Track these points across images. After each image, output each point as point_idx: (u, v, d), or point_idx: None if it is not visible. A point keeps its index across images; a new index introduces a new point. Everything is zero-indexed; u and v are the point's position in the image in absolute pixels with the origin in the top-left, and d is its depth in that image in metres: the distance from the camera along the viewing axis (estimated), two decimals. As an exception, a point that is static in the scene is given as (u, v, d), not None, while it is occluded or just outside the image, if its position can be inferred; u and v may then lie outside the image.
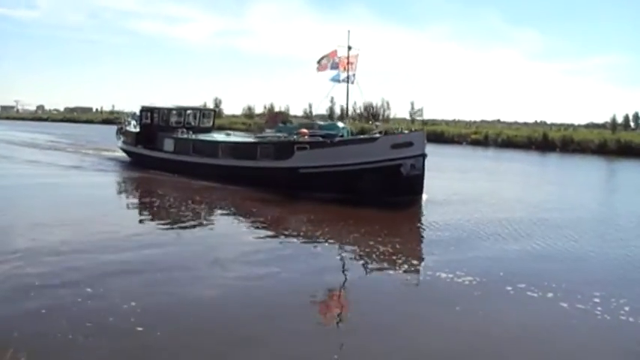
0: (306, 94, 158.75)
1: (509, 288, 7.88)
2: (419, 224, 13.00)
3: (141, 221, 12.97)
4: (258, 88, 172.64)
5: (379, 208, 14.41)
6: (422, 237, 11.77)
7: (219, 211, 14.48)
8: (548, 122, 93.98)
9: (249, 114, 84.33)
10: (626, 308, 7.16)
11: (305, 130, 18.43)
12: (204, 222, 13.12)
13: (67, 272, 7.92)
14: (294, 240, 10.93)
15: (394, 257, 9.60)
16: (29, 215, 12.21)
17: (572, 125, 77.73)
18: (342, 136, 18.26)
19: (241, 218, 13.36)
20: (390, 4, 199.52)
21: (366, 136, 18.19)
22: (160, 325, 6.15)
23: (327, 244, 10.59)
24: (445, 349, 5.97)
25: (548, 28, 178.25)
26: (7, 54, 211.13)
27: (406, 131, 17.84)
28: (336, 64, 18.36)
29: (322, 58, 18.56)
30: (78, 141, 38.75)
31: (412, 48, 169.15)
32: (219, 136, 22.34)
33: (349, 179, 15.98)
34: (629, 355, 6.05)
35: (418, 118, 17.34)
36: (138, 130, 24.33)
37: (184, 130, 22.57)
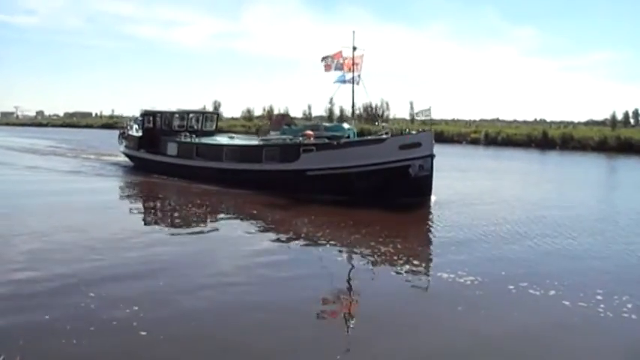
0: (306, 95, 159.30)
1: (511, 287, 7.90)
2: (427, 226, 12.93)
3: (143, 226, 12.95)
4: (257, 90, 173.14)
5: (387, 210, 14.31)
6: (430, 239, 11.74)
7: (223, 215, 14.44)
8: (548, 120, 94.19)
9: (248, 116, 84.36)
10: (629, 305, 7.17)
11: (310, 132, 18.22)
12: (207, 226, 13.11)
13: (68, 277, 7.93)
14: (299, 243, 10.92)
15: (399, 259, 9.61)
16: (30, 222, 12.19)
17: (571, 123, 77.87)
18: (348, 137, 18.08)
19: (247, 222, 13.23)
20: (388, 3, 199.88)
21: (373, 137, 18.13)
22: (163, 330, 6.16)
23: (330, 247, 10.56)
24: (451, 349, 5.98)
25: (546, 24, 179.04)
26: (6, 60, 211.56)
27: (414, 132, 17.59)
28: (341, 65, 18.21)
29: (326, 58, 18.38)
30: (79, 146, 38.78)
31: (410, 47, 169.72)
32: (222, 140, 22.19)
33: (357, 181, 15.82)
34: (631, 353, 6.06)
35: (426, 118, 17.06)
36: (140, 134, 24.25)
37: (187, 133, 22.42)
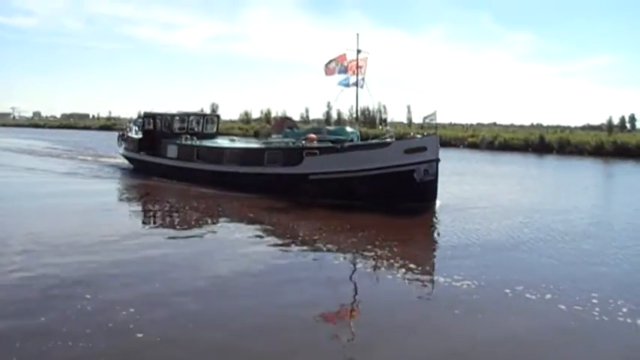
0: (303, 98, 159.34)
1: (507, 291, 7.92)
2: (427, 230, 12.91)
3: (141, 229, 12.91)
4: (254, 93, 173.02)
5: (388, 214, 14.23)
6: (430, 243, 11.76)
7: (222, 218, 14.41)
8: (545, 125, 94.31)
9: (246, 119, 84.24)
10: (624, 309, 7.20)
11: (313, 136, 18.03)
12: (206, 229, 13.07)
13: (64, 280, 7.92)
14: (297, 246, 10.88)
15: (398, 263, 9.60)
16: (26, 223, 12.17)
17: (568, 127, 78.04)
18: (351, 140, 17.88)
19: (246, 225, 13.13)
20: (384, 7, 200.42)
21: (378, 140, 17.91)
22: (160, 333, 6.15)
23: (329, 251, 10.56)
24: (449, 353, 5.99)
25: (542, 29, 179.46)
26: (4, 61, 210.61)
27: (418, 136, 17.39)
28: (345, 68, 17.96)
29: (330, 62, 18.14)
30: (76, 147, 38.70)
31: (407, 52, 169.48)
32: (223, 142, 22.01)
33: (360, 186, 15.67)
34: (627, 357, 6.07)
35: (431, 122, 16.91)
36: (140, 136, 24.09)
37: (188, 136, 22.26)
